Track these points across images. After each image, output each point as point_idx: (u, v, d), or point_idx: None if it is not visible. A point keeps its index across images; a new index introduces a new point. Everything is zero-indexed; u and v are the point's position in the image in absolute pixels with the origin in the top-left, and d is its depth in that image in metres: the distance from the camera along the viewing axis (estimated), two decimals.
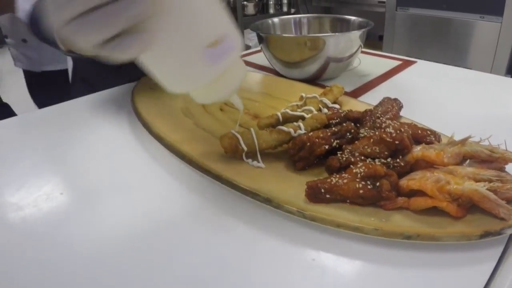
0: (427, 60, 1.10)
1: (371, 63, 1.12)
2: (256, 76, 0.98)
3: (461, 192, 0.43)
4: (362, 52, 1.22)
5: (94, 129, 0.78)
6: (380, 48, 2.97)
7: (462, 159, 0.50)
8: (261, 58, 1.18)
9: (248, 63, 1.18)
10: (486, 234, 0.42)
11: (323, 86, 0.90)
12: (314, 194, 0.46)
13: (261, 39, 0.98)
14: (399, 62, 1.11)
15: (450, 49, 2.75)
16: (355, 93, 0.88)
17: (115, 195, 0.56)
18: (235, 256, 0.45)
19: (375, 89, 0.91)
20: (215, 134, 0.65)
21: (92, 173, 0.62)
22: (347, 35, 0.90)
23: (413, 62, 1.10)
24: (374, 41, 3.29)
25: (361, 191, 0.45)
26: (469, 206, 0.44)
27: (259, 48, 1.15)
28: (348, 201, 0.47)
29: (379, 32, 3.18)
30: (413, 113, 0.68)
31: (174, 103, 0.81)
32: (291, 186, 0.51)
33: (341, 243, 0.45)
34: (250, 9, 3.63)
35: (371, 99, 0.77)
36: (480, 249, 0.43)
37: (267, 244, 0.46)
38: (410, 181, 0.46)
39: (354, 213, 0.45)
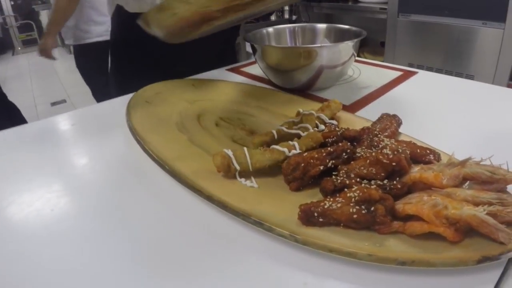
0: (429, 66, 1.08)
1: (371, 74, 1.10)
2: (253, 89, 0.96)
3: (459, 217, 0.41)
4: (362, 62, 1.22)
5: (90, 144, 0.77)
6: (382, 55, 2.95)
7: (461, 181, 0.48)
8: (256, 69, 1.18)
9: (244, 74, 1.17)
10: (484, 259, 0.40)
11: (321, 99, 0.89)
12: (307, 218, 0.45)
13: (254, 50, 0.97)
14: (399, 73, 1.09)
15: (452, 56, 2.72)
16: (354, 107, 0.86)
17: (105, 213, 0.55)
18: (224, 277, 0.43)
19: (375, 102, 0.89)
20: (210, 151, 0.64)
21: (83, 189, 0.61)
22: (339, 45, 0.90)
23: (414, 73, 1.08)
24: (376, 47, 3.27)
25: (355, 216, 0.43)
26: (467, 230, 0.43)
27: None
28: (341, 224, 0.45)
29: (381, 39, 3.16)
30: (413, 128, 0.66)
31: (169, 118, 0.79)
32: (284, 207, 0.49)
33: (334, 267, 0.43)
34: None
35: (370, 113, 0.75)
36: (477, 274, 0.42)
37: (257, 266, 0.44)
38: (406, 206, 0.44)
39: (348, 237, 0.44)
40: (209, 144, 0.68)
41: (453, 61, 2.71)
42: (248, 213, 0.47)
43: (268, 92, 0.94)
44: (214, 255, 0.46)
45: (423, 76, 1.07)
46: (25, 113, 2.20)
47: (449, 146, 0.58)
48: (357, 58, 1.23)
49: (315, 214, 0.45)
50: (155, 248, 0.48)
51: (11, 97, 2.12)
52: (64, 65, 5.64)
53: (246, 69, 1.22)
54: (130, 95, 0.90)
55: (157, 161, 0.62)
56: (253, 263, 0.45)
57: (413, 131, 0.65)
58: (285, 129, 0.62)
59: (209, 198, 0.51)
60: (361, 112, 0.83)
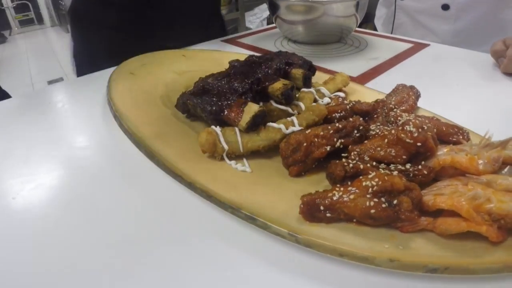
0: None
1: (378, 46, 1.00)
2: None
3: (506, 212, 0.32)
4: (368, 33, 1.12)
5: (64, 120, 0.66)
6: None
7: (500, 166, 0.39)
8: (254, 39, 1.10)
9: (241, 45, 1.07)
10: None
11: (326, 71, 0.80)
12: (311, 212, 0.36)
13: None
14: (410, 45, 0.99)
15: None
16: (362, 78, 0.77)
17: (74, 200, 0.46)
18: (206, 282, 0.34)
19: (385, 74, 0.79)
20: (197, 129, 0.55)
21: (50, 175, 0.51)
22: None
23: (426, 45, 0.98)
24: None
25: (372, 211, 0.34)
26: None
27: (255, 30, 1.08)
28: (354, 220, 0.36)
29: None
30: (430, 103, 0.57)
31: (153, 90, 0.70)
32: (282, 198, 0.40)
33: (345, 275, 0.35)
34: None
35: (381, 85, 0.66)
36: None
37: (250, 272, 0.35)
38: (439, 198, 0.35)
39: (362, 238, 0.35)
40: (197, 121, 0.58)
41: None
42: (238, 205, 0.38)
43: None
44: (196, 256, 0.37)
45: (435, 49, 0.96)
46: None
47: (471, 125, 0.50)
48: (363, 30, 1.14)
49: (321, 208, 0.35)
50: (126, 244, 0.39)
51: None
52: (61, 44, 5.49)
53: (243, 40, 1.11)
54: (109, 70, 0.80)
55: (133, 140, 0.53)
56: (243, 267, 0.36)
57: (431, 106, 0.56)
58: (273, 104, 0.52)
59: (191, 185, 0.42)
60: (370, 84, 0.73)
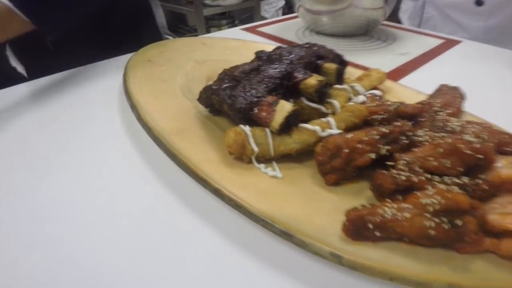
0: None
1: (407, 40, 0.95)
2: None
3: None
4: (397, 27, 1.07)
5: (76, 112, 0.62)
6: None
7: None
8: (273, 28, 1.07)
9: (260, 34, 1.02)
10: None
11: (355, 65, 0.75)
12: (357, 230, 0.31)
13: None
14: (440, 41, 0.94)
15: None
16: (394, 75, 0.72)
17: (86, 201, 0.42)
18: None
19: (417, 71, 0.74)
20: (221, 126, 0.50)
21: (64, 171, 0.48)
22: None
23: (457, 42, 0.93)
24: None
25: (432, 232, 0.30)
26: None
27: (276, 19, 1.11)
28: (406, 239, 0.32)
29: None
30: (469, 107, 0.51)
31: (173, 80, 0.65)
32: (319, 210, 0.35)
33: None
34: None
35: (414, 84, 0.61)
36: None
37: None
38: (508, 218, 0.30)
39: (415, 259, 0.30)
40: (221, 116, 0.54)
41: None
42: (271, 218, 0.34)
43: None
44: (224, 271, 0.33)
45: (468, 46, 0.91)
46: None
47: None
48: (388, 23, 1.09)
49: (370, 226, 0.31)
50: (141, 258, 0.35)
51: None
52: None
53: (263, 29, 1.07)
54: (124, 56, 0.76)
55: (152, 135, 0.49)
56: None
57: (472, 110, 0.51)
58: (305, 101, 0.48)
59: (217, 192, 0.38)
60: (402, 82, 0.68)
